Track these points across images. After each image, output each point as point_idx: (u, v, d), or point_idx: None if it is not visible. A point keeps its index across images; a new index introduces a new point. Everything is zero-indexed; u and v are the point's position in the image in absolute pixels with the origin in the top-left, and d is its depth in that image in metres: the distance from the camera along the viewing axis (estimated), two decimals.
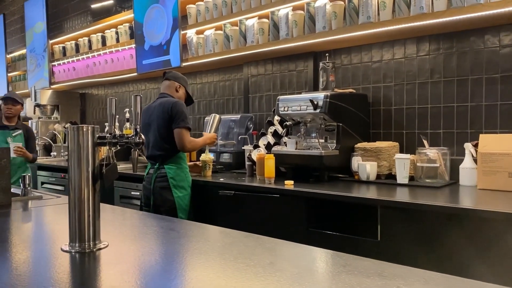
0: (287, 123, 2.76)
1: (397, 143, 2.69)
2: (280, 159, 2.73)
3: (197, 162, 3.02)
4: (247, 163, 3.04)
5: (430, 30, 2.57)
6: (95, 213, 1.22)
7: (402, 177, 2.42)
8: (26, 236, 1.48)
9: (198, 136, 3.22)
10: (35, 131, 5.39)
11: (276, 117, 3.08)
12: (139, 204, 2.94)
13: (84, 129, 1.20)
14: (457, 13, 2.29)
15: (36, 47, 5.86)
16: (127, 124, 4.24)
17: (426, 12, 2.40)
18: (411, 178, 2.45)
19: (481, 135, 2.29)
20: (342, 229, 2.20)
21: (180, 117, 2.68)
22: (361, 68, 2.98)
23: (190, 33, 3.77)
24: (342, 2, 2.81)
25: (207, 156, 3.03)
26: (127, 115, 4.30)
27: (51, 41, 5.63)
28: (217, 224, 1.54)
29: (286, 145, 2.82)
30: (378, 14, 2.63)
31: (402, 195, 2.14)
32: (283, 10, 3.09)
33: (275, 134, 3.05)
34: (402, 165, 2.41)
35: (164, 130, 2.69)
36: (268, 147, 2.98)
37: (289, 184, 2.47)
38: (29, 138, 3.89)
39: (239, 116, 3.47)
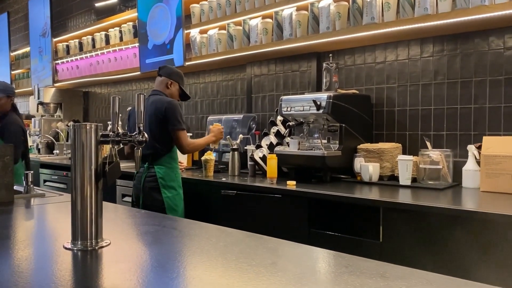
0: (290, 124, 2.76)
1: (400, 145, 2.68)
2: (283, 159, 2.73)
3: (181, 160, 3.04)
4: (249, 163, 3.04)
5: (434, 31, 2.57)
6: (98, 211, 1.22)
7: (404, 178, 2.41)
8: (29, 234, 1.48)
9: (201, 136, 3.22)
10: (37, 129, 5.40)
11: (279, 117, 3.07)
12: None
13: (88, 127, 1.20)
14: (461, 14, 2.28)
15: (40, 45, 5.87)
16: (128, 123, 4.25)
17: (431, 13, 2.39)
18: (414, 180, 2.44)
19: (484, 137, 2.29)
20: (344, 230, 2.19)
21: (175, 118, 2.64)
22: (365, 69, 2.98)
23: (194, 32, 3.78)
24: (346, 3, 2.80)
25: (209, 156, 3.03)
26: (128, 114, 4.31)
27: (54, 40, 5.64)
28: (219, 223, 1.53)
29: (288, 146, 2.81)
30: (382, 15, 2.63)
31: (404, 197, 2.13)
32: (287, 10, 3.09)
33: (278, 134, 3.05)
34: (405, 166, 2.41)
35: (156, 129, 2.63)
36: (271, 147, 2.98)
37: (291, 184, 2.47)
38: (3, 135, 3.30)
39: (241, 116, 3.47)
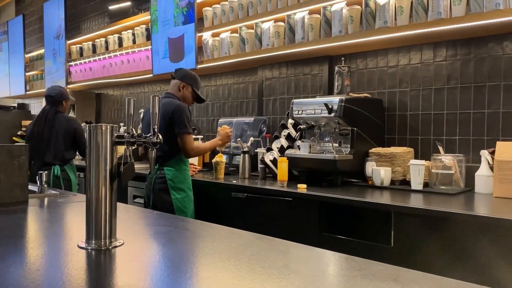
0: (301, 127, 2.76)
1: (412, 149, 2.66)
2: (294, 162, 2.73)
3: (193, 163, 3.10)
4: (260, 166, 3.04)
5: (448, 35, 2.55)
6: (112, 212, 1.23)
7: (416, 183, 2.40)
8: (43, 233, 1.50)
9: (212, 138, 3.23)
10: None
11: (290, 121, 3.07)
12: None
13: (103, 128, 1.21)
14: (475, 19, 2.26)
15: (54, 47, 5.95)
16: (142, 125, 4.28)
17: (444, 18, 2.38)
18: (426, 185, 2.42)
19: (498, 143, 2.26)
20: (354, 234, 2.18)
21: (181, 122, 2.65)
22: (377, 73, 2.97)
23: (206, 35, 3.80)
24: (359, 7, 2.80)
25: (220, 158, 3.04)
26: (142, 115, 4.34)
27: (68, 42, 5.72)
28: (229, 226, 1.54)
29: (299, 149, 2.81)
30: (395, 19, 2.62)
31: (416, 201, 2.12)
32: (299, 14, 3.09)
33: (289, 137, 3.05)
34: (417, 171, 2.39)
35: (164, 132, 2.63)
36: (282, 150, 2.98)
37: (302, 187, 2.46)
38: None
39: (252, 118, 3.48)
